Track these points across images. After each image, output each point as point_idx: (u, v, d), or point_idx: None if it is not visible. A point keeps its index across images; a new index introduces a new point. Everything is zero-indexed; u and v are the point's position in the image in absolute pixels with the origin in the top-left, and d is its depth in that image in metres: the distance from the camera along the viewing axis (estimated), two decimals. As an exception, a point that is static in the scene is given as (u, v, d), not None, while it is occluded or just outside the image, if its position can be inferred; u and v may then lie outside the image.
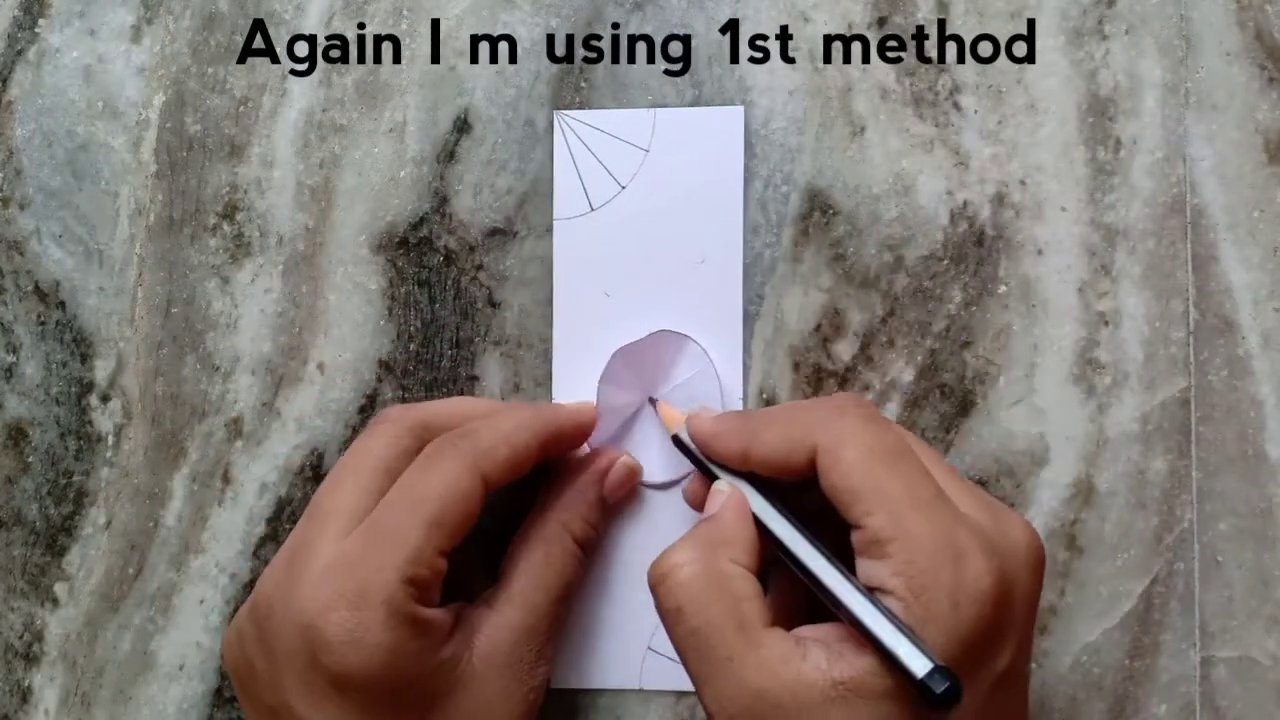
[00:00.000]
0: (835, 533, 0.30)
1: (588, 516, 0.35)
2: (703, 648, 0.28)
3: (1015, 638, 0.28)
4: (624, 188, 0.37)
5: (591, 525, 0.35)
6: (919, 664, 0.26)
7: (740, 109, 0.37)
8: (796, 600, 0.31)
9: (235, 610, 0.38)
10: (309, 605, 0.29)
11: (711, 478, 0.33)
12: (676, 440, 0.34)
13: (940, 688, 0.26)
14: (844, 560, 0.29)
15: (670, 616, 0.29)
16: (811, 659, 0.28)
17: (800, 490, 0.31)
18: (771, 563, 0.31)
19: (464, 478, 0.31)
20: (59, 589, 0.39)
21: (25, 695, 0.39)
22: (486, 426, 0.32)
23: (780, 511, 0.31)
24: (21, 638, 0.39)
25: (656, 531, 0.36)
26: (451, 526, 0.30)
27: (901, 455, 0.29)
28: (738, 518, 0.31)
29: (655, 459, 0.36)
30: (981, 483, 0.36)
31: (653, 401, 0.36)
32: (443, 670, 0.31)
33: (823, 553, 0.30)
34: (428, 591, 0.30)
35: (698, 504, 0.34)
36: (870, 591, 0.28)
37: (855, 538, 0.29)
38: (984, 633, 0.27)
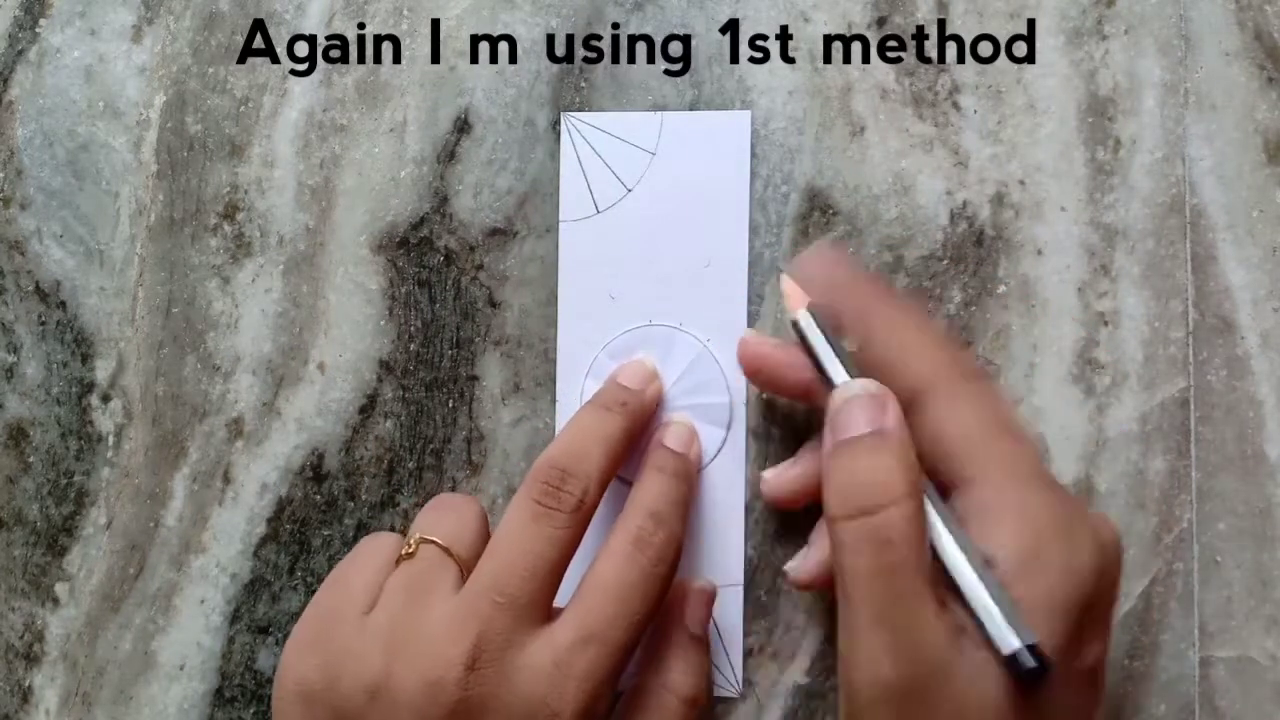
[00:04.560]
0: None
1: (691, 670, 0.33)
2: (897, 585, 0.26)
3: (1105, 628, 0.28)
4: (630, 190, 0.37)
5: (699, 676, 0.33)
6: (1008, 639, 0.25)
7: (747, 114, 0.37)
8: None
9: (236, 610, 0.38)
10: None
11: (825, 377, 0.31)
12: (796, 326, 0.32)
13: (1029, 664, 0.25)
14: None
15: (873, 547, 0.27)
16: (992, 673, 0.26)
17: None
18: None
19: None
20: (60, 589, 0.39)
21: (26, 695, 0.39)
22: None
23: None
24: (22, 638, 0.39)
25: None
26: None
27: (1015, 431, 0.29)
28: (910, 440, 0.28)
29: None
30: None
31: (780, 271, 0.35)
32: None
33: (941, 511, 0.28)
34: None
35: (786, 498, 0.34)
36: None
37: (958, 501, 0.28)
38: (1083, 611, 0.27)
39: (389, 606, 0.31)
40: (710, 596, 0.35)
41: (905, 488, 0.27)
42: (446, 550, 0.32)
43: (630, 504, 0.33)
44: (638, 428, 0.34)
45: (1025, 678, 0.26)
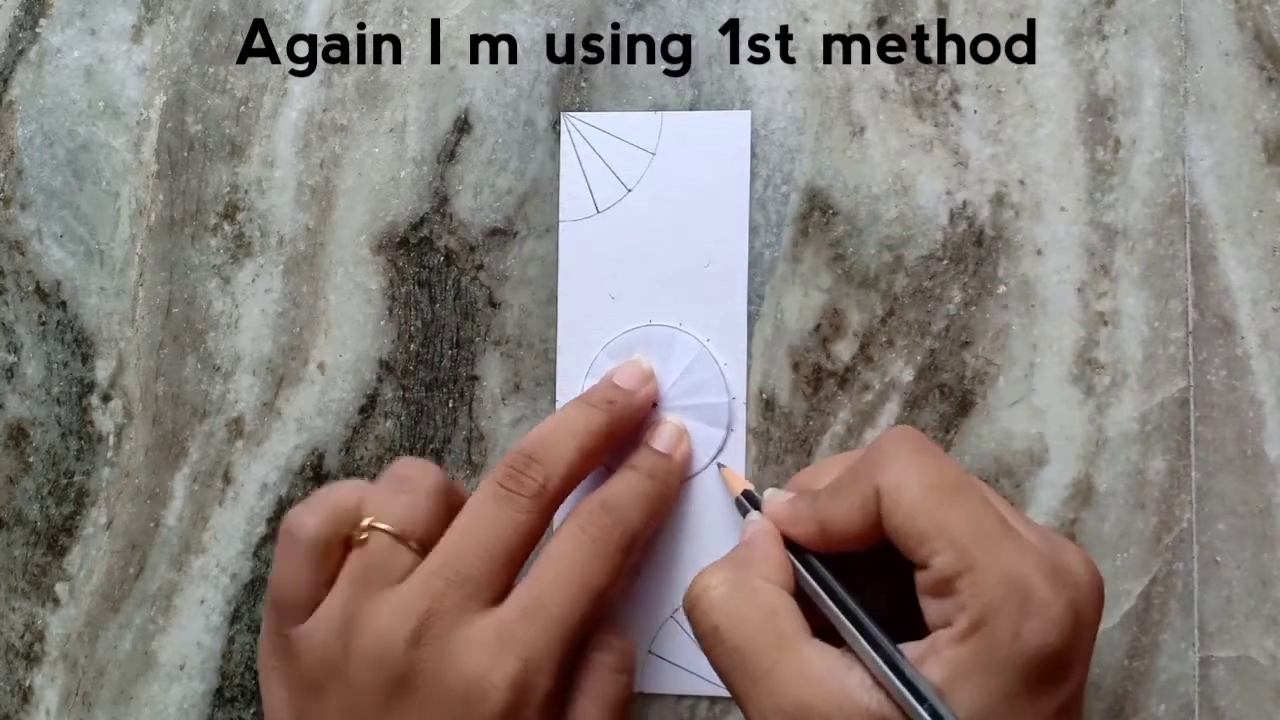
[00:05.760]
0: (894, 577, 0.29)
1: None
2: (743, 663, 0.28)
3: (1080, 669, 0.27)
4: (630, 190, 0.37)
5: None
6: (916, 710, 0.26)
7: (747, 114, 0.37)
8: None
9: (236, 610, 0.38)
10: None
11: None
12: (740, 505, 0.34)
13: None
14: (910, 602, 0.29)
15: (709, 638, 0.29)
16: (857, 673, 0.27)
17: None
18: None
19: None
20: (60, 589, 0.39)
21: (26, 695, 0.39)
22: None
23: (816, 566, 0.31)
24: (23, 638, 0.39)
25: (659, 535, 0.36)
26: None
27: (960, 488, 0.28)
28: (768, 540, 0.31)
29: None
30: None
31: (719, 467, 0.36)
32: None
33: (862, 612, 0.29)
34: None
35: None
36: (924, 633, 0.27)
37: (921, 579, 0.28)
38: (1052, 661, 0.26)
39: (341, 594, 0.31)
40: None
41: (720, 576, 0.30)
42: (397, 537, 0.31)
43: (590, 496, 0.33)
44: (622, 427, 0.35)
45: None
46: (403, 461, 0.34)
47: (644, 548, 0.34)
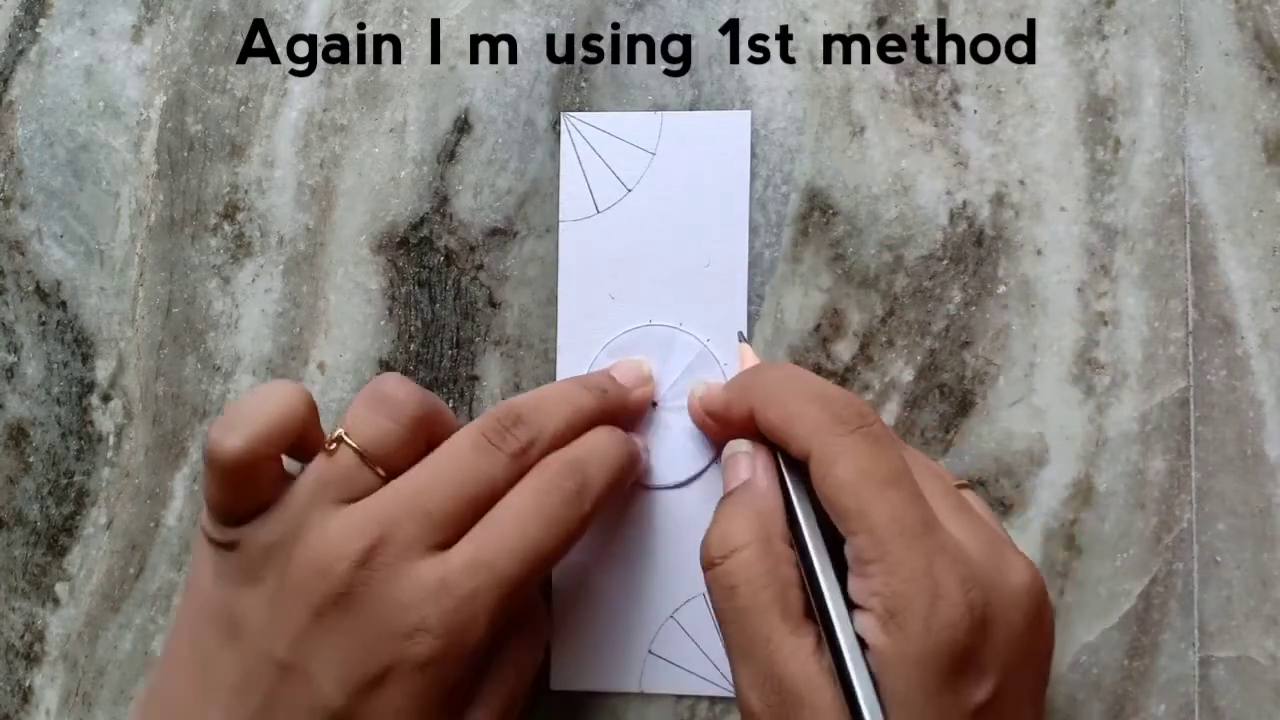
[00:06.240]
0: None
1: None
2: (748, 627, 0.29)
3: (995, 675, 0.28)
4: (630, 190, 0.37)
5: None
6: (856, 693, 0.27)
7: (747, 114, 0.37)
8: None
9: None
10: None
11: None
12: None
13: None
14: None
15: (723, 592, 0.30)
16: (826, 661, 0.28)
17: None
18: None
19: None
20: (60, 589, 0.39)
21: (26, 695, 0.39)
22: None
23: (801, 492, 0.31)
24: (23, 638, 0.39)
25: (659, 535, 0.36)
26: None
27: (893, 481, 0.29)
28: (772, 485, 0.32)
29: (661, 459, 0.36)
30: (980, 483, 0.36)
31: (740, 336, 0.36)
32: None
33: (825, 557, 0.30)
34: None
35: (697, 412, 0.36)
36: (851, 608, 0.29)
37: (845, 549, 0.29)
38: (954, 662, 0.27)
39: (297, 500, 0.31)
40: None
41: (748, 536, 0.30)
42: (363, 457, 0.31)
43: (559, 452, 0.33)
44: (610, 419, 0.34)
45: None
46: (389, 379, 0.32)
47: (604, 506, 0.34)
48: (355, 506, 0.31)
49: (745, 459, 0.33)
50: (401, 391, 0.32)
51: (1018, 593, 0.29)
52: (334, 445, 0.31)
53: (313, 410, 0.32)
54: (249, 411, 0.31)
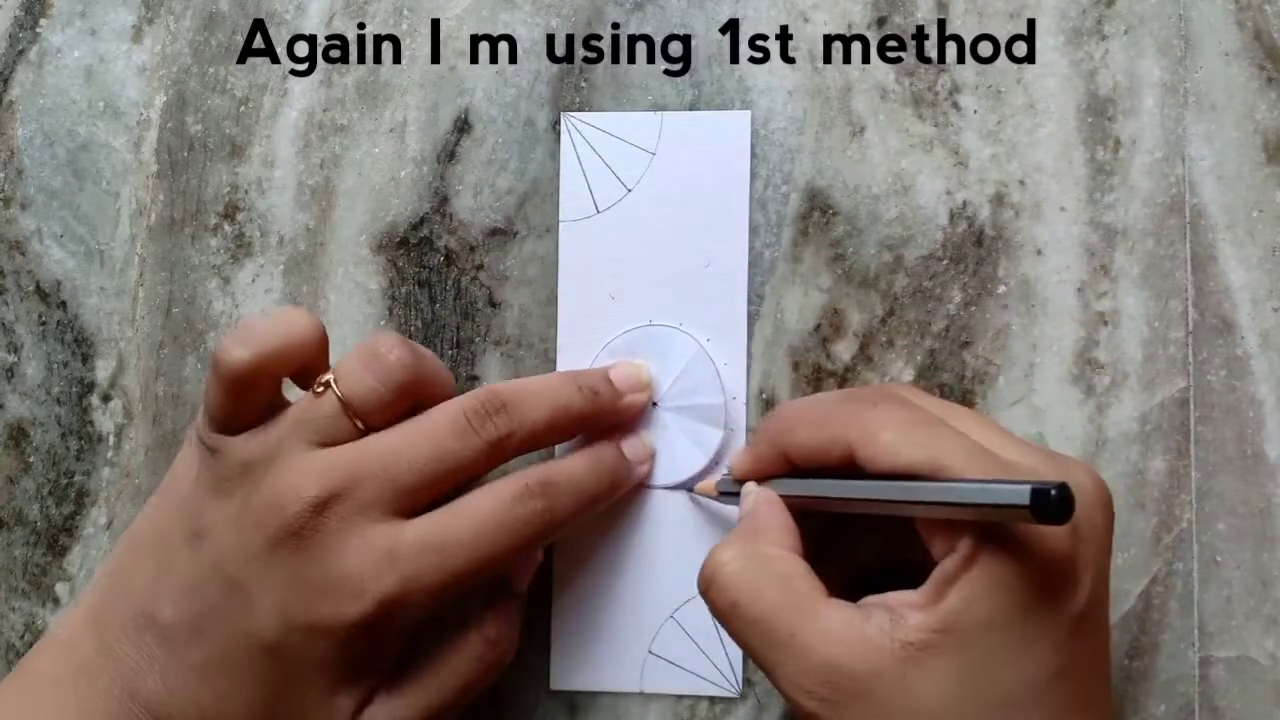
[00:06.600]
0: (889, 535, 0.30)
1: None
2: (766, 634, 0.29)
3: (1090, 577, 0.28)
4: (630, 190, 0.37)
5: (506, 625, 0.34)
6: (1018, 491, 0.25)
7: (747, 114, 0.37)
8: (842, 575, 0.31)
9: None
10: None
11: None
12: (726, 496, 0.35)
13: (1053, 490, 0.24)
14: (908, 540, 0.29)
15: (727, 614, 0.29)
16: (875, 621, 0.27)
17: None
18: (814, 548, 0.31)
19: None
20: (60, 589, 0.39)
21: (26, 694, 0.39)
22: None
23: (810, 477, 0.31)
24: (23, 638, 0.39)
25: (659, 534, 0.36)
26: None
27: (935, 422, 0.29)
28: (770, 508, 0.32)
29: (661, 459, 0.36)
30: (981, 482, 0.36)
31: (689, 493, 0.36)
32: None
33: (866, 479, 0.29)
34: None
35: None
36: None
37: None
38: (1057, 570, 0.27)
39: (279, 430, 0.31)
40: (536, 562, 0.35)
41: (733, 550, 0.30)
42: (345, 406, 0.31)
43: (540, 464, 0.33)
44: (598, 422, 0.35)
45: (1051, 513, 0.25)
46: (385, 339, 0.32)
47: (568, 530, 0.34)
48: (326, 452, 0.31)
49: (746, 498, 0.33)
50: (394, 354, 0.32)
51: (1092, 490, 0.29)
52: (321, 389, 0.31)
53: (323, 342, 0.32)
54: (262, 329, 0.31)
